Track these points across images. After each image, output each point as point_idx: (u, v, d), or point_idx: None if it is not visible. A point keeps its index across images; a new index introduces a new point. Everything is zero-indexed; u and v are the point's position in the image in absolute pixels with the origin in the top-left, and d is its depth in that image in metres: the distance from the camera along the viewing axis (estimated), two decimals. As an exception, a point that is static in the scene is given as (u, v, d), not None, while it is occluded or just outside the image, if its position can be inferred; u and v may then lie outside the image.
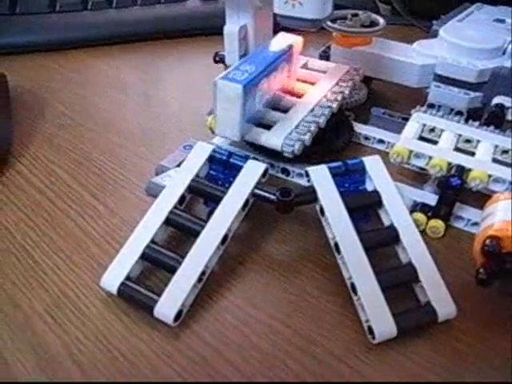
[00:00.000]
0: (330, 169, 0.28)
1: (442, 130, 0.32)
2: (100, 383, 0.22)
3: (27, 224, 0.30)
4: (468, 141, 0.31)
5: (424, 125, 0.32)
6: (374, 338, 0.23)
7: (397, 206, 0.27)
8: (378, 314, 0.24)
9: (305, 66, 0.38)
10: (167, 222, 0.27)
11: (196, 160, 0.28)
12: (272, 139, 0.29)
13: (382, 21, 0.39)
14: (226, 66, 0.35)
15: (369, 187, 0.28)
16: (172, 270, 0.25)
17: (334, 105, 0.32)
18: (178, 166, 0.30)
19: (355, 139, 0.37)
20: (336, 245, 0.25)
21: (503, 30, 0.39)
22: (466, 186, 0.29)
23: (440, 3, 0.47)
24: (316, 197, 0.27)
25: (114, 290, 0.25)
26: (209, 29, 0.54)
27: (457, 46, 0.36)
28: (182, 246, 0.28)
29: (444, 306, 0.24)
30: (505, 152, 0.30)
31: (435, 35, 0.39)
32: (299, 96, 0.34)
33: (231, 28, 0.33)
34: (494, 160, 0.30)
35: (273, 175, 0.33)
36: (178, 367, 0.23)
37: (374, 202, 0.27)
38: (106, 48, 0.53)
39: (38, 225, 0.30)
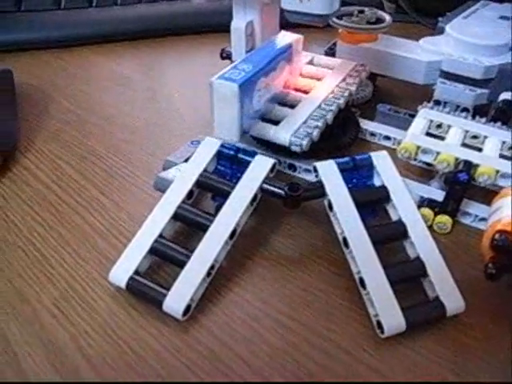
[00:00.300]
0: (338, 164, 0.28)
1: (449, 126, 0.32)
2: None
3: (34, 218, 0.30)
4: (475, 137, 0.31)
5: (431, 121, 0.32)
6: (382, 332, 0.23)
7: (405, 201, 0.27)
8: (386, 309, 0.24)
9: (311, 62, 0.37)
10: (175, 216, 0.27)
11: (204, 155, 0.28)
12: (280, 134, 0.29)
13: (388, 17, 0.39)
14: (233, 63, 0.35)
15: (376, 182, 0.28)
16: (181, 265, 0.25)
17: (341, 101, 0.32)
18: (186, 161, 0.30)
19: (361, 136, 0.37)
20: (344, 239, 0.25)
21: (509, 27, 0.39)
22: (474, 182, 0.29)
23: (444, 1, 0.47)
24: (324, 192, 0.27)
25: (122, 284, 0.25)
26: (214, 26, 0.54)
27: (463, 43, 0.37)
28: (190, 241, 0.28)
29: (452, 301, 0.24)
30: (512, 148, 0.30)
31: (440, 32, 0.39)
32: (306, 92, 0.34)
33: (238, 24, 0.33)
34: (501, 156, 0.30)
35: (280, 171, 0.33)
36: (187, 361, 0.23)
37: (382, 197, 0.27)
38: (111, 45, 0.53)
39: (45, 219, 0.30)
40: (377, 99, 0.41)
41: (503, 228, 0.23)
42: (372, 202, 0.28)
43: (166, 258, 0.26)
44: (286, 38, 0.34)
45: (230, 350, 0.23)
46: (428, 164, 0.33)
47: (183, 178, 0.28)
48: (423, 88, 0.39)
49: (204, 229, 0.26)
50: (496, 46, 0.36)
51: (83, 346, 0.23)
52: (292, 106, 0.32)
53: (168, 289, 0.24)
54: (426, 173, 0.34)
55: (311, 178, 0.33)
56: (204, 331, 0.24)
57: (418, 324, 0.24)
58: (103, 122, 0.40)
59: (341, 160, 0.28)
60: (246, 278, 0.27)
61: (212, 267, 0.25)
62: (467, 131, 0.31)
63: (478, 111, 0.36)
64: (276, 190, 0.27)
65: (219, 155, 0.29)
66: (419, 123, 0.32)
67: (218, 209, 0.27)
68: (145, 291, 0.25)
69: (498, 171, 0.28)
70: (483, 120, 0.32)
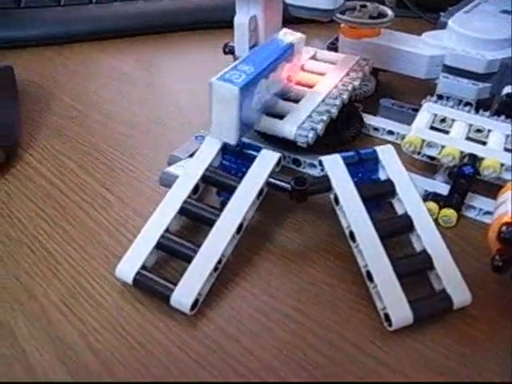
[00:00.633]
0: (344, 158, 0.28)
1: (453, 120, 0.32)
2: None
3: (39, 215, 0.30)
4: (479, 130, 0.31)
5: (435, 115, 0.32)
6: (390, 325, 0.23)
7: (410, 194, 0.27)
8: (394, 302, 0.24)
9: (313, 57, 0.37)
10: (181, 211, 0.27)
11: (209, 150, 0.28)
12: (285, 128, 0.29)
13: (390, 12, 0.39)
14: (236, 58, 0.35)
15: (382, 176, 0.28)
16: (188, 260, 0.25)
17: (345, 95, 0.32)
18: (191, 156, 0.30)
19: (364, 130, 0.37)
20: (351, 233, 0.25)
21: (510, 20, 0.39)
22: (479, 176, 0.29)
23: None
24: (330, 186, 0.27)
25: (129, 279, 0.25)
26: (215, 22, 0.53)
27: (466, 37, 0.37)
28: (196, 236, 0.28)
29: (459, 294, 0.24)
30: (516, 141, 0.31)
31: (442, 27, 0.39)
32: (309, 87, 0.34)
33: (241, 19, 0.33)
34: (506, 149, 0.30)
35: (284, 166, 0.33)
36: (196, 355, 0.23)
37: (388, 190, 0.27)
38: (111, 41, 0.53)
39: (50, 215, 0.30)
40: (379, 94, 0.41)
41: (510, 220, 0.23)
42: (378, 196, 0.28)
43: (173, 253, 0.26)
44: (288, 37, 0.33)
45: (238, 344, 0.23)
46: (431, 158, 0.33)
47: (189, 173, 0.28)
48: (425, 83, 0.39)
49: (211, 223, 0.26)
50: (498, 40, 0.36)
51: (92, 341, 0.23)
52: (296, 101, 0.32)
53: (175, 283, 0.24)
54: (429, 167, 0.34)
55: (316, 172, 0.33)
56: (212, 325, 0.24)
57: (426, 317, 0.24)
58: (105, 118, 0.40)
59: (346, 154, 0.28)
60: (253, 272, 0.27)
61: (219, 262, 0.25)
62: (471, 125, 0.32)
63: (481, 105, 0.36)
64: (282, 184, 0.27)
65: (224, 150, 0.29)
66: (423, 117, 0.32)
67: (223, 204, 0.27)
68: (152, 286, 0.25)
69: (502, 164, 0.28)
70: (487, 114, 0.32)
